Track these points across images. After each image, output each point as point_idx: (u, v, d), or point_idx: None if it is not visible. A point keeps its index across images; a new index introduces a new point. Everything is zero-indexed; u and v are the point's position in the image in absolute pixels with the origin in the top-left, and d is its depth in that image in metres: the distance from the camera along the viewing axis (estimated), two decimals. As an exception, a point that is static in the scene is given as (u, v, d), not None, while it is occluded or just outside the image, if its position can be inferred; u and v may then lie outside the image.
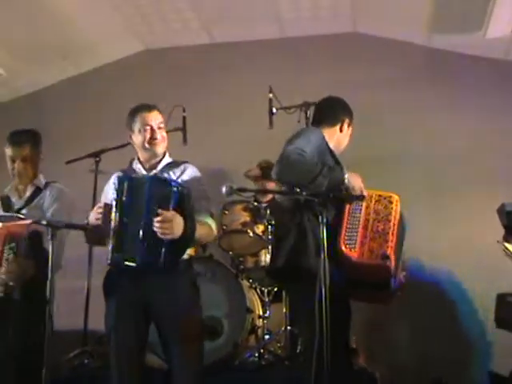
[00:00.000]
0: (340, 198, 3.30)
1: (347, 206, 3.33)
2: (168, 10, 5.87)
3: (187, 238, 3.19)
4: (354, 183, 3.33)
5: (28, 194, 4.02)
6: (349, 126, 3.70)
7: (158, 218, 3.06)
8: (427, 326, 5.20)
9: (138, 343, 3.30)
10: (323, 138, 3.50)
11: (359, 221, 3.31)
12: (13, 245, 3.60)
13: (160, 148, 3.49)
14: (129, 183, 3.21)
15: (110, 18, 5.87)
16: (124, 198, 3.18)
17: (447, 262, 5.22)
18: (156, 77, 6.25)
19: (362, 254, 3.23)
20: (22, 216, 3.83)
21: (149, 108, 3.51)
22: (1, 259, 3.60)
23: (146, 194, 3.14)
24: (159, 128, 3.48)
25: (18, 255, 3.60)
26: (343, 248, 3.20)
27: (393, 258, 3.25)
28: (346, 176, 3.31)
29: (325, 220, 2.99)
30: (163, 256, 3.10)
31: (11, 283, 3.59)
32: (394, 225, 3.33)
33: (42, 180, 4.08)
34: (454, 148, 5.52)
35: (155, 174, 3.37)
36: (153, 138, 3.45)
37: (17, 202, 4.01)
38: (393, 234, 3.30)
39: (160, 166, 3.50)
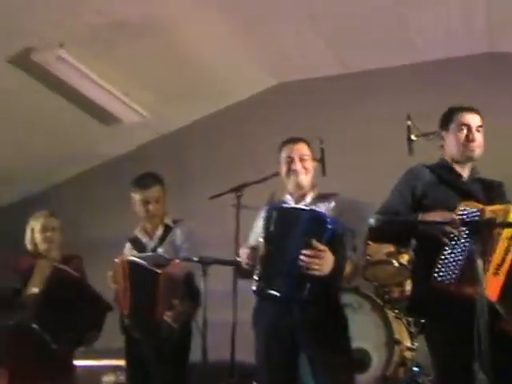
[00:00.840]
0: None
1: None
2: (300, 43, 5.92)
3: (335, 275, 3.19)
4: (434, 218, 3.08)
5: (159, 233, 4.16)
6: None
7: (308, 252, 3.06)
8: None
9: (289, 375, 3.31)
10: (425, 171, 3.38)
11: (460, 247, 2.95)
12: (172, 292, 3.74)
13: (301, 179, 3.52)
14: (278, 213, 3.25)
15: (243, 55, 6.01)
16: (272, 228, 3.22)
17: None
18: (290, 110, 6.32)
19: (459, 283, 2.91)
20: (166, 256, 3.97)
21: (294, 140, 3.60)
22: (165, 304, 3.74)
23: (297, 227, 3.15)
24: (302, 159, 3.53)
25: (179, 298, 3.74)
26: (433, 280, 2.94)
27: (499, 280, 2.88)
28: (419, 218, 3.12)
29: (478, 248, 2.80)
30: (308, 291, 3.09)
31: (175, 325, 3.73)
32: (496, 241, 2.92)
33: (170, 219, 4.22)
34: None
35: (311, 209, 3.31)
36: (291, 170, 3.52)
37: (148, 242, 4.16)
38: (495, 252, 2.90)
39: (308, 199, 3.52)
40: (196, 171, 6.21)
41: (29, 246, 4.43)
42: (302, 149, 3.57)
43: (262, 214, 3.52)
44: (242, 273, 3.52)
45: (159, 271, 3.75)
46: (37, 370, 4.05)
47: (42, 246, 4.35)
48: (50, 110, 6.02)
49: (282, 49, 6.01)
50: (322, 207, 3.44)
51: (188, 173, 6.23)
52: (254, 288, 3.22)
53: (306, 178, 3.54)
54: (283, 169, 3.56)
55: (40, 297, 4.04)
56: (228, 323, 4.83)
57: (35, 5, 4.72)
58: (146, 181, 4.16)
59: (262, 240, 3.22)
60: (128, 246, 4.26)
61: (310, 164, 3.57)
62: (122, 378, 5.19)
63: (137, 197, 4.14)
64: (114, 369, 5.33)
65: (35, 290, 4.05)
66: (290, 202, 3.53)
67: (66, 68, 5.34)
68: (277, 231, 3.21)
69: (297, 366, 3.33)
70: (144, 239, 4.18)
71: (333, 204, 3.48)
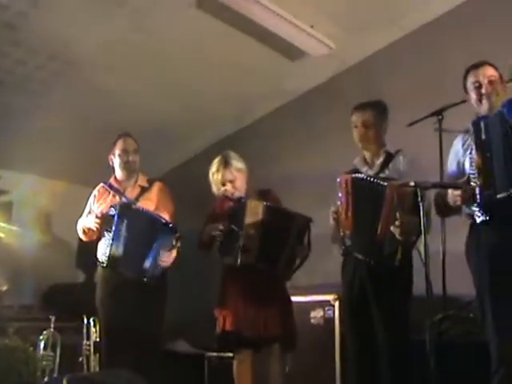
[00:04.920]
0: None
1: None
2: None
3: None
4: None
5: (381, 160, 4.06)
6: None
7: None
8: None
9: None
10: None
11: None
12: (399, 204, 3.62)
13: (492, 101, 3.47)
14: (484, 122, 3.21)
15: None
16: (483, 137, 3.17)
17: None
18: (489, 23, 5.72)
19: None
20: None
21: (477, 66, 3.56)
22: (390, 218, 3.65)
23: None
24: (490, 82, 3.49)
25: (406, 210, 3.60)
26: None
27: None
28: None
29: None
30: None
31: (400, 237, 3.64)
32: None
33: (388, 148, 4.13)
34: None
35: None
36: (481, 94, 3.50)
37: (368, 171, 4.08)
38: None
39: None
40: (390, 99, 5.96)
41: (216, 190, 4.52)
42: (488, 72, 3.51)
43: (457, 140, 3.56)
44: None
45: (385, 183, 3.70)
46: (257, 304, 4.23)
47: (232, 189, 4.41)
48: (237, 49, 6.05)
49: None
50: None
51: (381, 101, 5.98)
52: (478, 201, 3.19)
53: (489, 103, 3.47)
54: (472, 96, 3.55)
55: (259, 237, 4.16)
56: (437, 254, 4.65)
57: None
58: (361, 104, 4.21)
59: (475, 153, 3.18)
60: None
61: (499, 86, 3.49)
62: (330, 312, 5.22)
63: (352, 119, 4.17)
64: (322, 304, 5.36)
65: (252, 231, 4.15)
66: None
67: (251, 5, 5.29)
68: (488, 139, 3.15)
69: None
70: (363, 169, 4.13)
71: None
